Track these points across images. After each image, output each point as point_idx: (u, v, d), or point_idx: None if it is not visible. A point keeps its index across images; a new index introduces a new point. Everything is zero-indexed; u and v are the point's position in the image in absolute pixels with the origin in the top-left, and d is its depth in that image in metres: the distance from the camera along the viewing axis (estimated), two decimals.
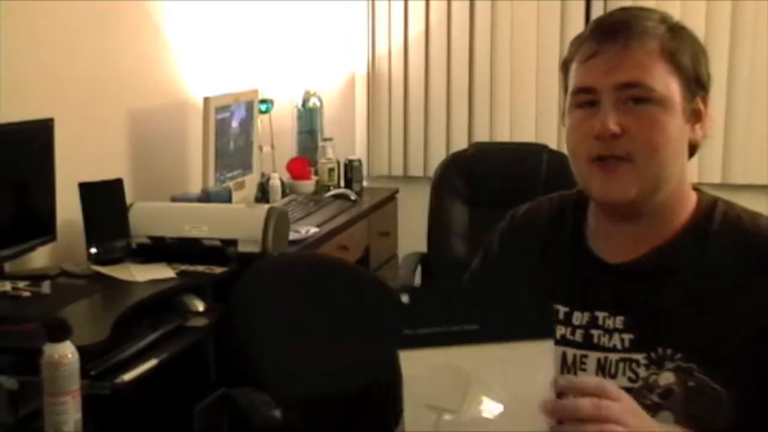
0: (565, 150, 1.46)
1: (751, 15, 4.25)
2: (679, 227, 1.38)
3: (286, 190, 3.92)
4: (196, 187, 3.44)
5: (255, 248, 2.78)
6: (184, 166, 3.63)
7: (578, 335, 1.38)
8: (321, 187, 4.11)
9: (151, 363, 2.24)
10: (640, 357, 1.32)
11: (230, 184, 3.49)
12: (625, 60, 1.33)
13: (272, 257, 2.79)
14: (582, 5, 4.37)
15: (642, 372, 1.31)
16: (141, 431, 2.68)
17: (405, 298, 1.28)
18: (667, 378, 1.29)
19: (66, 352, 1.81)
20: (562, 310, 1.40)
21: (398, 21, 4.65)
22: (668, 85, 1.33)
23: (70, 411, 1.81)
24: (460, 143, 4.51)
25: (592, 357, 1.35)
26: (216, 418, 2.66)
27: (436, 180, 3.83)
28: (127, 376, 2.14)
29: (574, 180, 1.44)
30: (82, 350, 1.86)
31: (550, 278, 1.45)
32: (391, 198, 4.36)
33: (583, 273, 1.42)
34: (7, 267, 2.56)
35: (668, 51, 1.34)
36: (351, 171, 4.21)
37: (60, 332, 1.83)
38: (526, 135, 4.55)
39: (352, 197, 4.03)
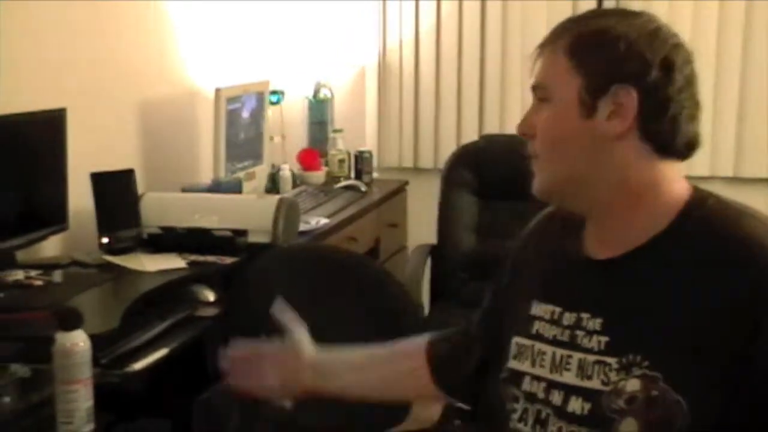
0: None
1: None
2: (661, 227, 1.35)
3: (296, 180, 3.93)
4: (206, 178, 3.45)
5: (265, 239, 2.80)
6: (195, 157, 3.64)
7: (566, 335, 1.38)
8: (331, 178, 4.12)
9: (162, 352, 2.26)
10: (612, 361, 1.31)
11: (241, 174, 3.50)
12: (538, 62, 1.40)
13: (282, 248, 2.80)
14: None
15: (613, 376, 1.30)
16: (149, 421, 2.71)
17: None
18: (633, 384, 1.28)
19: (78, 340, 1.83)
20: (556, 310, 1.41)
21: (410, 13, 4.65)
22: (568, 83, 1.34)
23: (82, 399, 1.83)
24: (471, 135, 4.51)
25: (575, 357, 1.35)
26: (224, 407, 2.67)
27: (446, 172, 3.83)
28: (138, 366, 2.16)
29: None
30: (93, 339, 1.88)
31: (548, 278, 1.46)
32: (401, 189, 4.37)
33: (573, 272, 1.43)
34: (19, 256, 2.57)
35: (572, 48, 1.35)
36: (361, 162, 4.22)
37: (72, 321, 1.85)
38: None
39: (362, 188, 4.04)
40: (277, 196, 3.02)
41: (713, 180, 4.18)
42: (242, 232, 2.81)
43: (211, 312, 2.57)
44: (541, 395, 1.38)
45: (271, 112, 3.85)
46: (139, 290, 2.45)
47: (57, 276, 2.49)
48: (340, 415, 2.56)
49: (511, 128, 4.56)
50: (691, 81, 1.35)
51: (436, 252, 3.78)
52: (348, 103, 4.66)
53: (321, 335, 2.60)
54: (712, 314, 1.26)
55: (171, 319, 2.42)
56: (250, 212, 2.87)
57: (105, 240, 2.77)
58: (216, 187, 3.23)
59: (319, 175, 4.09)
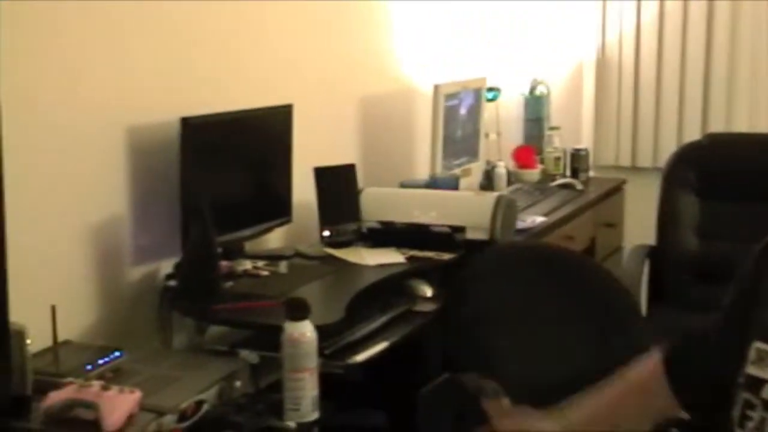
0: None
1: None
2: None
3: (511, 178, 3.91)
4: (423, 174, 3.48)
5: (483, 235, 2.78)
6: (412, 153, 3.68)
7: None
8: (546, 176, 4.07)
9: (382, 345, 2.29)
10: None
11: (457, 171, 3.50)
12: None
13: (500, 245, 2.78)
14: None
15: None
16: (365, 412, 2.75)
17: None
18: None
19: (305, 330, 1.89)
20: None
21: (630, 6, 4.51)
22: None
23: (308, 387, 1.88)
24: (693, 134, 4.33)
25: None
26: (440, 403, 2.68)
27: (668, 171, 3.70)
28: (360, 357, 2.19)
29: None
30: (318, 330, 1.93)
31: None
32: (618, 189, 4.25)
33: None
34: (247, 246, 2.68)
35: None
36: (577, 160, 4.14)
37: (300, 311, 1.90)
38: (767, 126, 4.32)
39: (578, 187, 3.97)
40: (495, 194, 3.00)
41: None
42: (460, 229, 2.81)
43: (429, 307, 2.58)
44: None
45: (486, 108, 3.83)
46: (360, 283, 2.48)
47: (282, 267, 2.57)
48: None
49: (738, 127, 4.40)
50: None
51: (655, 253, 3.65)
52: (564, 100, 4.59)
53: (539, 333, 2.58)
54: None
55: (391, 313, 2.45)
56: (468, 209, 2.87)
57: (326, 233, 2.84)
58: (433, 183, 3.25)
59: (534, 173, 4.04)
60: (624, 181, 4.32)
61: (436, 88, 3.34)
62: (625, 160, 4.64)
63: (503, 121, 4.04)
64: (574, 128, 4.63)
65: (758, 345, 1.39)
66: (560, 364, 2.56)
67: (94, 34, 2.27)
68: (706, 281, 3.45)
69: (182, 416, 1.77)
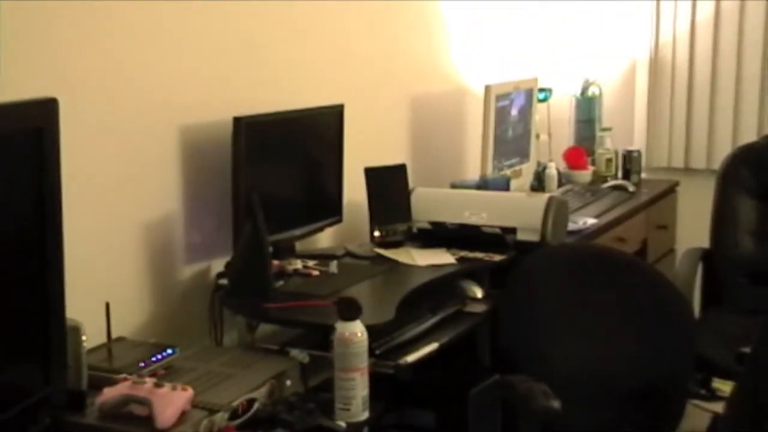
0: None
1: None
2: None
3: (561, 179, 3.88)
4: (474, 174, 3.46)
5: (534, 237, 2.76)
6: (463, 153, 3.67)
7: None
8: (598, 178, 4.03)
9: (432, 346, 2.28)
10: None
11: (508, 171, 3.49)
12: None
13: (552, 247, 2.76)
14: None
15: None
16: (415, 412, 2.75)
17: None
18: None
19: (356, 330, 1.88)
20: None
21: (685, 5, 4.44)
22: None
23: (359, 387, 1.88)
24: (749, 135, 4.25)
25: None
26: (490, 404, 2.67)
27: (723, 172, 3.64)
28: (410, 358, 2.19)
29: None
30: (368, 329, 1.93)
31: None
32: (671, 191, 4.20)
33: None
34: (298, 246, 2.68)
35: None
36: (629, 162, 4.08)
37: (351, 311, 1.90)
38: None
39: (630, 189, 3.92)
40: (547, 195, 2.98)
41: None
42: (511, 230, 2.79)
43: (479, 308, 2.57)
44: None
45: (537, 109, 3.81)
46: (410, 284, 2.48)
47: (333, 266, 2.58)
48: (606, 420, 2.50)
49: None
50: None
51: (709, 256, 3.60)
52: (616, 101, 4.53)
53: (591, 335, 2.56)
54: None
55: (441, 314, 2.45)
56: (519, 210, 2.85)
57: (377, 233, 2.84)
58: (484, 184, 3.24)
59: (585, 174, 4.00)
60: (677, 183, 4.26)
61: (488, 88, 3.32)
62: (678, 162, 4.57)
63: (554, 122, 4.01)
64: (627, 129, 4.57)
65: None
66: (611, 366, 2.54)
67: (148, 35, 2.29)
68: (762, 285, 3.39)
69: (234, 414, 1.78)
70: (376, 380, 1.98)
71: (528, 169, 3.74)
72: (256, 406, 1.82)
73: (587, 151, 4.10)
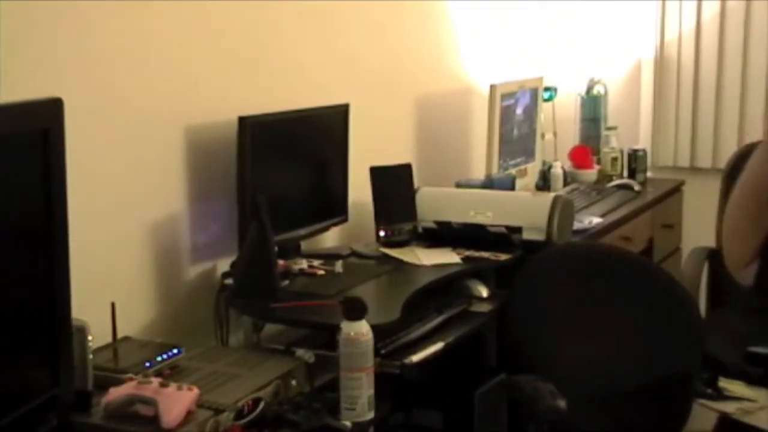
0: None
1: None
2: None
3: (567, 178, 3.87)
4: (479, 173, 3.46)
5: (539, 236, 2.76)
6: (468, 152, 3.67)
7: None
8: (603, 177, 4.02)
9: (438, 346, 2.28)
10: None
11: (513, 171, 3.48)
12: None
13: (557, 246, 2.75)
14: None
15: None
16: (421, 412, 2.75)
17: None
18: None
19: (362, 330, 1.88)
20: None
21: (690, 4, 4.44)
22: None
23: (364, 387, 1.88)
24: (755, 134, 4.25)
25: None
26: (496, 404, 2.67)
27: (729, 171, 3.63)
28: (416, 357, 2.19)
29: None
30: (374, 329, 1.92)
31: None
32: (677, 190, 4.19)
33: None
34: (303, 245, 2.68)
35: None
36: (635, 161, 4.09)
37: (357, 311, 1.90)
38: None
39: (636, 188, 3.92)
40: (552, 194, 2.98)
41: None
42: (517, 229, 2.79)
43: (485, 308, 2.57)
44: None
45: (543, 108, 3.80)
46: (415, 283, 2.48)
47: (338, 266, 2.57)
48: (613, 419, 2.49)
49: None
50: None
51: (715, 255, 3.59)
52: (622, 100, 4.53)
53: (597, 335, 2.55)
54: None
55: (447, 314, 2.44)
56: (525, 209, 2.84)
57: (382, 232, 2.83)
58: (489, 183, 3.23)
59: (591, 174, 4.00)
60: (682, 182, 4.26)
61: (493, 87, 3.32)
62: (684, 161, 4.57)
63: (560, 121, 4.00)
64: (632, 128, 4.57)
65: None
66: (617, 366, 2.54)
67: (153, 35, 2.29)
68: None
69: (239, 414, 1.78)
70: (381, 380, 1.98)
71: (533, 169, 3.74)
72: (261, 405, 1.82)
73: (593, 150, 4.10)
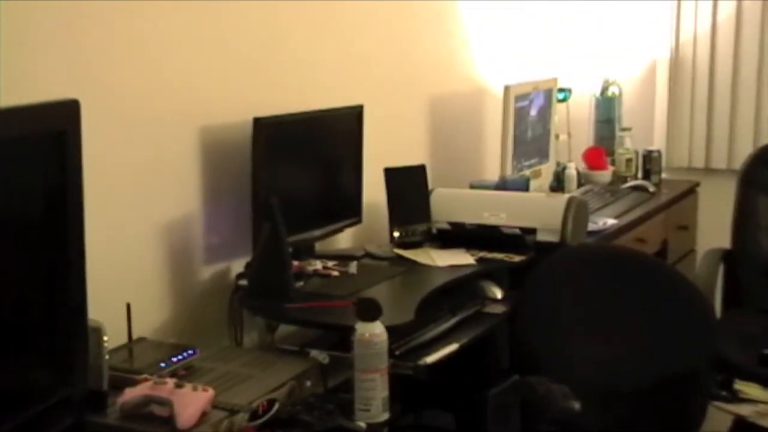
0: None
1: None
2: None
3: (581, 180, 3.87)
4: (493, 175, 3.46)
5: (554, 237, 2.76)
6: (482, 154, 3.67)
7: None
8: (618, 178, 4.01)
9: (452, 347, 2.27)
10: None
11: (527, 172, 3.48)
12: None
13: (571, 247, 2.75)
14: None
15: None
16: (433, 413, 2.75)
17: None
18: None
19: (377, 331, 1.88)
20: None
21: (706, 4, 4.42)
22: None
23: (379, 388, 1.88)
24: None
25: None
26: (509, 405, 2.66)
27: (745, 172, 3.62)
28: (430, 359, 2.18)
29: None
30: (388, 330, 1.92)
31: None
32: (692, 191, 4.18)
33: None
34: (317, 246, 2.69)
35: None
36: (649, 162, 4.07)
37: (372, 312, 1.90)
38: None
39: (651, 189, 3.91)
40: (567, 195, 2.97)
41: None
42: (531, 231, 2.78)
43: (499, 309, 2.57)
44: None
45: (557, 109, 3.80)
46: (429, 284, 2.47)
47: (352, 267, 2.58)
48: (626, 421, 2.49)
49: None
50: None
51: (730, 257, 3.58)
52: (636, 101, 4.51)
53: (611, 336, 2.55)
54: None
55: (460, 315, 2.44)
56: (539, 210, 2.84)
57: (396, 234, 2.84)
58: (503, 185, 3.23)
59: (605, 175, 3.99)
60: (697, 184, 4.24)
61: (507, 88, 3.32)
62: (699, 162, 4.55)
63: (574, 122, 4.00)
64: (647, 129, 4.55)
65: None
66: (631, 367, 2.53)
67: (168, 36, 2.30)
68: None
69: (254, 414, 1.78)
70: (394, 381, 1.98)
71: (547, 170, 3.73)
72: (276, 406, 1.82)
73: (607, 152, 4.09)
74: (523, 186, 3.27)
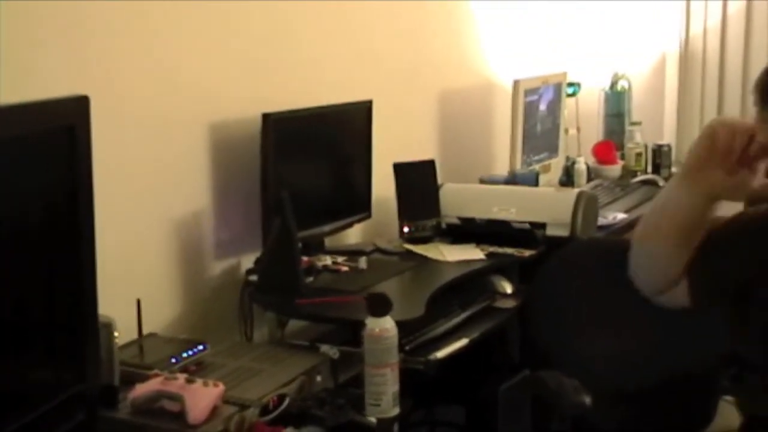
0: None
1: None
2: None
3: (591, 174, 3.85)
4: (502, 169, 3.45)
5: (563, 232, 2.76)
6: (491, 148, 3.66)
7: None
8: (627, 172, 4.00)
9: (462, 342, 2.28)
10: None
11: (537, 166, 3.47)
12: None
13: (581, 241, 2.74)
14: None
15: None
16: (444, 408, 2.75)
17: None
18: None
19: (387, 326, 1.88)
20: None
21: None
22: None
23: (389, 383, 1.88)
24: None
25: None
26: (519, 400, 2.66)
27: None
28: (440, 354, 2.19)
29: None
30: (398, 325, 1.92)
31: None
32: None
33: None
34: (327, 242, 2.69)
35: None
36: (659, 156, 4.06)
37: (382, 307, 1.90)
38: None
39: (661, 183, 3.88)
40: (577, 190, 2.97)
41: None
42: (540, 225, 2.78)
43: (509, 304, 2.57)
44: None
45: (566, 104, 3.79)
46: (439, 279, 2.48)
47: (362, 262, 2.58)
48: (637, 416, 2.48)
49: None
50: None
51: None
52: (646, 95, 4.50)
53: (620, 331, 2.54)
54: None
55: (471, 310, 2.44)
56: (548, 205, 2.84)
57: (406, 229, 2.83)
58: (512, 179, 3.23)
59: (615, 169, 3.98)
60: None
61: (516, 83, 3.31)
62: None
63: (583, 117, 3.99)
64: (657, 123, 4.54)
65: None
66: (641, 361, 2.52)
67: (178, 32, 2.30)
68: None
69: (264, 409, 1.78)
70: (403, 376, 1.98)
71: (557, 164, 3.73)
72: (286, 401, 1.82)
73: (617, 146, 4.08)
74: (533, 181, 3.27)
